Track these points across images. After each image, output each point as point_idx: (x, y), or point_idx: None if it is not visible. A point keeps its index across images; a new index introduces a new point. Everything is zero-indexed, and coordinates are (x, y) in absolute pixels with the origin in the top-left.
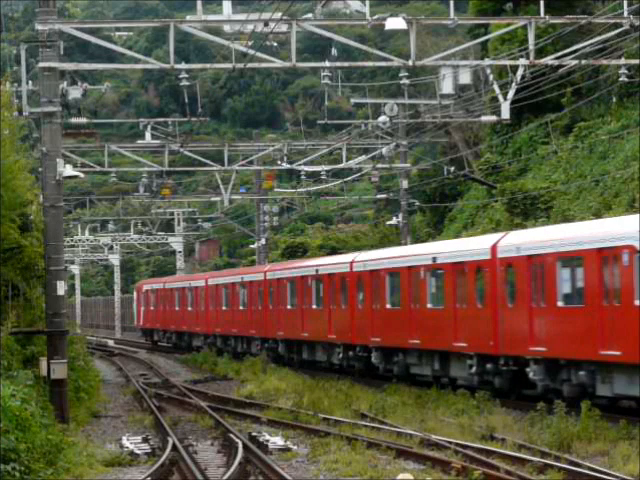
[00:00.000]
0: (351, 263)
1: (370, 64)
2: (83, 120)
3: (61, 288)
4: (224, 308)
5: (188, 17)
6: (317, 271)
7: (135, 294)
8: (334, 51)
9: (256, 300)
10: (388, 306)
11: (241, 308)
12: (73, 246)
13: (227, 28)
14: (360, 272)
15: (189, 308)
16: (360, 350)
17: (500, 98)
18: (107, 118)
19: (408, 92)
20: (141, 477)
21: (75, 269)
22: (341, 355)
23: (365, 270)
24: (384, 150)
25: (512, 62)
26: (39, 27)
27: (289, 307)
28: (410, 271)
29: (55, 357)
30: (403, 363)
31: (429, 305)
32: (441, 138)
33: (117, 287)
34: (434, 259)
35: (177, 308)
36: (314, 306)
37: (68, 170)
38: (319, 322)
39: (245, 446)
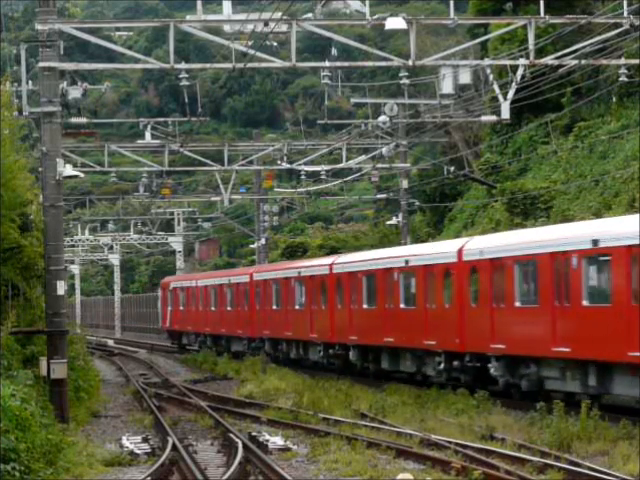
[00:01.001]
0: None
1: (370, 64)
2: (83, 120)
3: (61, 288)
4: (275, 307)
5: (188, 17)
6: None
7: (160, 292)
8: (334, 51)
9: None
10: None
11: (297, 308)
12: (73, 246)
13: (227, 28)
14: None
15: (228, 308)
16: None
17: (500, 98)
18: (107, 118)
19: (408, 92)
20: (141, 477)
21: (75, 269)
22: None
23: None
24: (384, 150)
25: (512, 62)
26: (39, 27)
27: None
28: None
29: (55, 357)
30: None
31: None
32: (441, 138)
33: (117, 287)
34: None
35: (213, 308)
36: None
37: (68, 170)
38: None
39: (245, 446)
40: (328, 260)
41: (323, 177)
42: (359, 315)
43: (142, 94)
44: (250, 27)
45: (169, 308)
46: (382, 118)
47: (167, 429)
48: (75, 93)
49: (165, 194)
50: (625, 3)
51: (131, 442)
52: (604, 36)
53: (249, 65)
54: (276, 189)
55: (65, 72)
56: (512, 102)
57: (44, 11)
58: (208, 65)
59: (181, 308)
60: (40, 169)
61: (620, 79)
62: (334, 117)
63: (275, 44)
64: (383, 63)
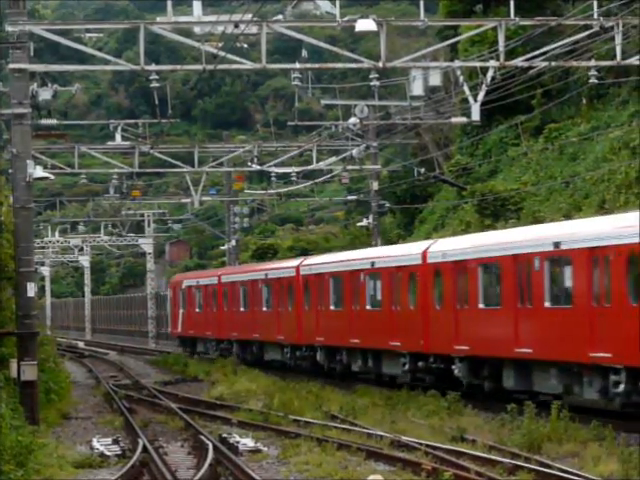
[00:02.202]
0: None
1: (340, 66)
2: (53, 121)
3: (31, 290)
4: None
5: (158, 19)
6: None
7: (170, 292)
8: (304, 52)
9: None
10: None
11: (368, 308)
12: (43, 248)
13: (197, 29)
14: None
15: (263, 308)
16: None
17: (470, 100)
18: (77, 120)
19: (378, 94)
20: (111, 478)
21: (45, 271)
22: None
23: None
24: (354, 151)
25: (482, 64)
26: (9, 28)
27: (242, 309)
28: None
29: (25, 359)
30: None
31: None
32: (411, 140)
33: (87, 289)
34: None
35: (243, 309)
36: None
37: (38, 172)
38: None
39: (215, 447)
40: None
41: (293, 179)
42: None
43: (112, 96)
44: (220, 29)
45: (181, 310)
46: (352, 120)
47: (137, 431)
48: (45, 95)
49: (135, 196)
50: (595, 5)
51: (101, 444)
52: (574, 38)
53: (219, 67)
54: (246, 191)
55: (35, 74)
56: (482, 104)
57: (14, 12)
58: (178, 67)
59: (197, 310)
60: (10, 171)
61: (590, 81)
62: (305, 119)
63: (245, 46)
64: (353, 65)
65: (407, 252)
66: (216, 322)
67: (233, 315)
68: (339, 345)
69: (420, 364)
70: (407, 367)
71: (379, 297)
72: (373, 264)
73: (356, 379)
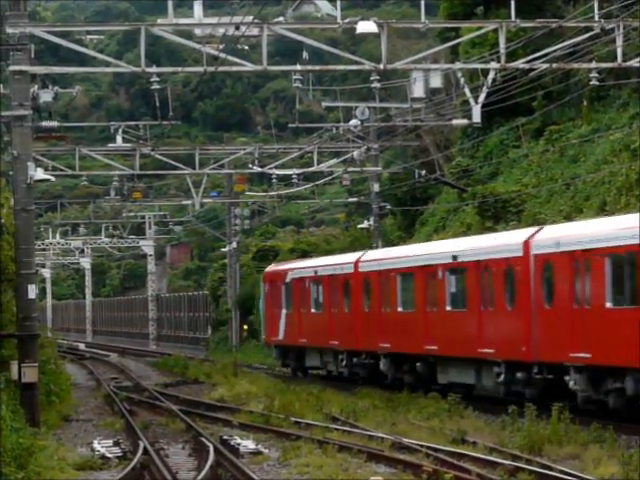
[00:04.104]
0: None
1: (341, 67)
2: (54, 123)
3: (32, 292)
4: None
5: (159, 20)
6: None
7: (265, 287)
8: (305, 54)
9: None
10: (400, 309)
11: (448, 309)
12: (44, 250)
13: (198, 31)
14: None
15: (312, 310)
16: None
17: (471, 101)
18: (78, 121)
19: (379, 95)
20: None
21: (46, 273)
22: (345, 362)
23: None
24: (355, 153)
25: (483, 66)
26: (9, 30)
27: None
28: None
29: (26, 361)
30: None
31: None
32: (412, 141)
33: (88, 290)
34: (455, 257)
35: (400, 309)
36: (313, 310)
37: (39, 174)
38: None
39: (216, 449)
40: (352, 257)
41: (294, 181)
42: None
43: (113, 98)
44: (221, 31)
45: (283, 311)
46: (353, 122)
47: (138, 433)
48: (46, 97)
49: (136, 198)
50: (596, 7)
51: (102, 446)
52: (575, 40)
53: (220, 69)
54: (247, 193)
55: (36, 75)
56: (483, 106)
57: (14, 14)
58: (179, 69)
59: (314, 311)
60: (11, 173)
61: (591, 83)
62: (305, 121)
63: (246, 48)
64: (354, 67)
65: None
66: (350, 327)
67: (384, 318)
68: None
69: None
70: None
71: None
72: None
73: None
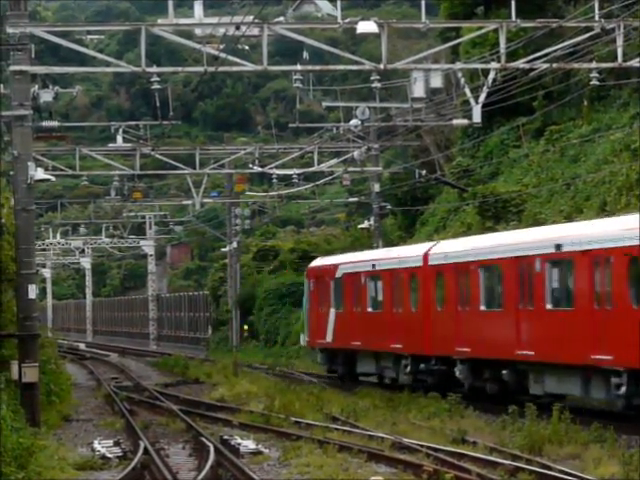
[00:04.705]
0: (425, 255)
1: (341, 67)
2: (54, 123)
3: (32, 291)
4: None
5: (159, 20)
6: (374, 267)
7: (309, 284)
8: (305, 54)
9: None
10: (482, 308)
11: (548, 308)
12: (44, 250)
13: (198, 31)
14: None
15: (369, 309)
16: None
17: (471, 101)
18: (78, 121)
19: (379, 95)
20: None
21: (46, 272)
22: (409, 368)
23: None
24: (356, 153)
25: (483, 66)
26: (10, 30)
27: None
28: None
29: (26, 360)
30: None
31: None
32: (412, 141)
33: (89, 290)
34: (558, 247)
35: (483, 308)
36: (370, 309)
37: (39, 174)
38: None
39: (217, 449)
40: (421, 249)
41: (295, 181)
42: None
43: (113, 97)
44: (221, 30)
45: (332, 311)
46: (354, 122)
47: (139, 433)
48: (46, 96)
49: (136, 198)
50: (596, 7)
51: (103, 446)
52: (575, 40)
53: (220, 68)
54: (248, 192)
55: (36, 75)
56: (483, 106)
57: (15, 14)
58: (179, 68)
59: (370, 310)
60: (11, 173)
61: (591, 83)
62: (306, 120)
63: (246, 47)
64: (355, 67)
65: (625, 227)
66: (417, 328)
67: (461, 318)
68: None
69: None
70: (623, 391)
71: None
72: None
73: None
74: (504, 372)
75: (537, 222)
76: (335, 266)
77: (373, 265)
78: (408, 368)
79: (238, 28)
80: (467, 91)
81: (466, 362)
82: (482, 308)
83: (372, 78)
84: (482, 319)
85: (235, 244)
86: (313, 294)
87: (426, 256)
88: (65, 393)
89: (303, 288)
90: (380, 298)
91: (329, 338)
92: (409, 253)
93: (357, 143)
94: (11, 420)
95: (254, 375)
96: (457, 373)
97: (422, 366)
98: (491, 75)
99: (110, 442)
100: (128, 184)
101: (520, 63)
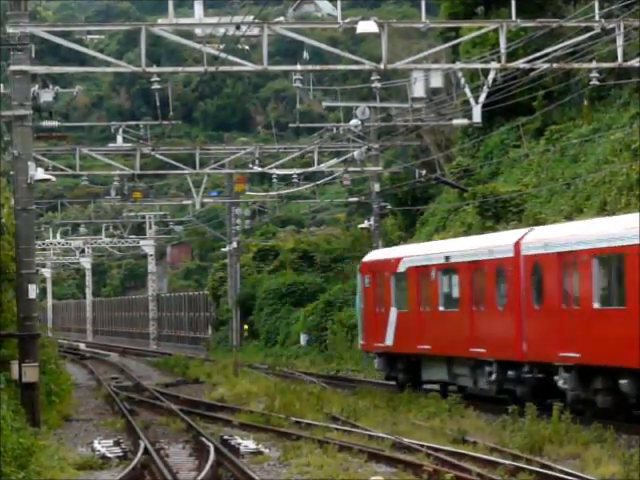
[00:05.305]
0: (517, 244)
1: (342, 67)
2: (54, 123)
3: (32, 291)
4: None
5: (160, 20)
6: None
7: (364, 281)
8: (305, 54)
9: None
10: (596, 306)
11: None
12: (44, 249)
13: (199, 31)
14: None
15: (440, 308)
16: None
17: (472, 101)
18: (78, 121)
19: (380, 95)
20: None
21: (47, 272)
22: (495, 376)
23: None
24: (356, 153)
25: (483, 65)
26: (10, 30)
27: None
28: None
29: (26, 360)
30: (627, 390)
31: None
32: (412, 141)
33: (89, 290)
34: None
35: (597, 305)
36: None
37: (39, 173)
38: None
39: (217, 449)
40: (512, 237)
41: (295, 180)
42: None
43: (113, 97)
44: (222, 30)
45: (393, 310)
46: (354, 121)
47: (139, 432)
48: (46, 96)
49: (136, 198)
50: (596, 6)
51: (103, 446)
52: (575, 40)
53: (221, 68)
54: (248, 192)
55: (37, 75)
56: (484, 105)
57: (15, 14)
58: (180, 68)
59: (442, 309)
60: (11, 172)
61: (591, 82)
62: (306, 120)
63: (247, 47)
64: (355, 66)
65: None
66: (506, 330)
67: (567, 318)
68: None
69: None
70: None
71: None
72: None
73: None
74: (622, 382)
75: (537, 222)
76: (397, 259)
77: (447, 257)
78: (493, 376)
79: (238, 28)
80: (467, 91)
81: (572, 370)
82: (596, 306)
83: (372, 78)
84: (596, 319)
85: (235, 244)
86: (369, 292)
87: (518, 245)
88: (65, 393)
89: (303, 288)
90: (456, 295)
91: (389, 341)
92: (495, 242)
93: (357, 143)
94: (11, 420)
95: (254, 375)
96: (560, 382)
97: (511, 373)
98: (491, 75)
99: (110, 442)
100: (128, 184)
101: (520, 63)
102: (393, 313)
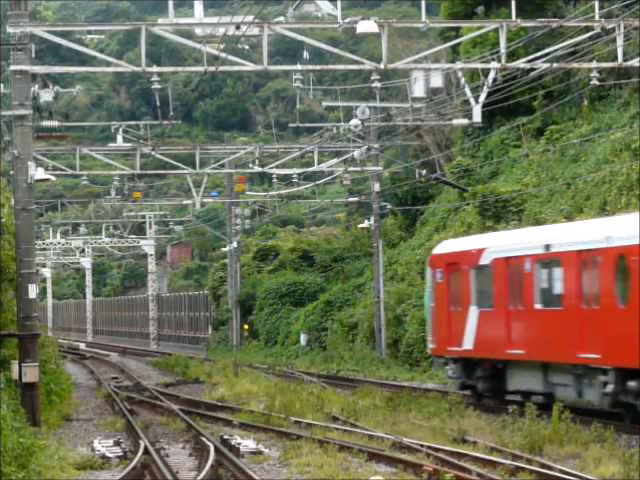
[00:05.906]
0: None
1: (342, 67)
2: (54, 123)
3: (33, 291)
4: None
5: (160, 20)
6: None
7: (435, 276)
8: (306, 54)
9: None
10: None
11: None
12: (44, 249)
13: (199, 31)
14: None
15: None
16: None
17: (472, 101)
18: (78, 121)
19: (380, 95)
20: None
21: (47, 272)
22: (612, 387)
23: None
24: (356, 153)
25: (484, 65)
26: (10, 30)
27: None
28: None
29: (27, 360)
30: None
31: None
32: (413, 141)
33: (89, 290)
34: None
35: None
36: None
37: (40, 173)
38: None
39: (217, 449)
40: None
41: (295, 180)
42: None
43: (113, 97)
44: (222, 30)
45: (473, 309)
46: (354, 121)
47: (139, 432)
48: (47, 96)
49: (137, 197)
50: (596, 6)
51: (103, 445)
52: (575, 39)
53: (221, 68)
54: (248, 192)
55: (37, 75)
56: (484, 105)
57: (16, 14)
58: (180, 68)
59: (538, 307)
60: (12, 172)
61: (591, 82)
62: (306, 120)
63: (247, 47)
64: (355, 66)
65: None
66: (628, 332)
67: None
68: None
69: None
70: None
71: None
72: None
73: None
74: None
75: (537, 222)
76: (479, 250)
77: (547, 246)
78: (609, 387)
79: (238, 28)
80: (467, 91)
81: None
82: None
83: (372, 78)
84: None
85: (235, 244)
86: (441, 288)
87: None
88: (65, 393)
89: (303, 288)
90: (558, 290)
91: (468, 344)
92: (614, 227)
93: (357, 143)
94: (11, 420)
95: (254, 375)
96: None
97: (633, 384)
98: (491, 75)
99: (110, 442)
100: (128, 184)
101: (520, 63)
102: (473, 312)
